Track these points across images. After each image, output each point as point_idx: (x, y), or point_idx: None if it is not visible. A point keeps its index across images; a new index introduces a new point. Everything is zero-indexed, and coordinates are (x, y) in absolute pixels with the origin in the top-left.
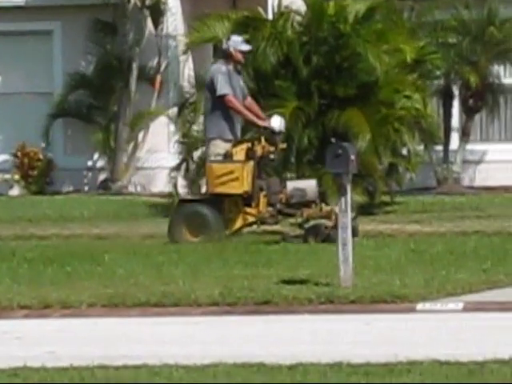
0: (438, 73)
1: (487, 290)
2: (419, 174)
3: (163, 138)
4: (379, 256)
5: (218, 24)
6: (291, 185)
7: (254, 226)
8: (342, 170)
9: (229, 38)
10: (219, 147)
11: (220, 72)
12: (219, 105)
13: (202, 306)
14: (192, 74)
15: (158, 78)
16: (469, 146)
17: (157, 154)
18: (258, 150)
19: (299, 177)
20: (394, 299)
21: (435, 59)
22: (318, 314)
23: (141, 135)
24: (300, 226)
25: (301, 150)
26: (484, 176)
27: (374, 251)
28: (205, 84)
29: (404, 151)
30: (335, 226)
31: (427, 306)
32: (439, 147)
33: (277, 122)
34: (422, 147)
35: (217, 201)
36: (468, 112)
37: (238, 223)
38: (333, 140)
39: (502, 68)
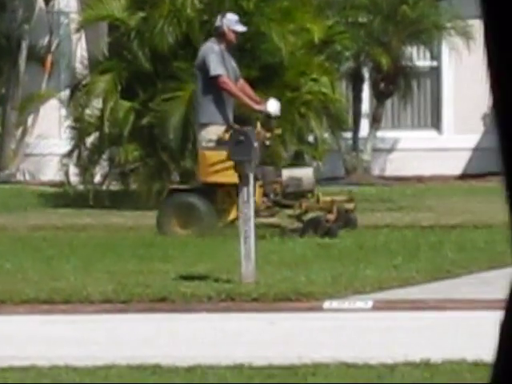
0: (347, 54)
1: (398, 288)
2: (327, 163)
3: (54, 122)
4: (284, 251)
5: (113, 1)
6: (287, 173)
7: None
8: (245, 158)
9: (223, 16)
10: (211, 133)
11: (213, 51)
12: (211, 87)
13: (94, 304)
14: (85, 54)
15: (49, 58)
16: (379, 134)
17: (47, 140)
18: None
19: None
20: (299, 297)
21: (344, 40)
22: (218, 312)
23: (30, 119)
24: (298, 218)
25: None
26: (395, 165)
27: (278, 245)
28: (195, 64)
29: (311, 138)
30: (337, 219)
31: (334, 304)
32: (348, 134)
33: (273, 106)
34: (329, 134)
35: (209, 190)
36: (379, 96)
37: (232, 215)
38: (235, 126)
39: (415, 50)
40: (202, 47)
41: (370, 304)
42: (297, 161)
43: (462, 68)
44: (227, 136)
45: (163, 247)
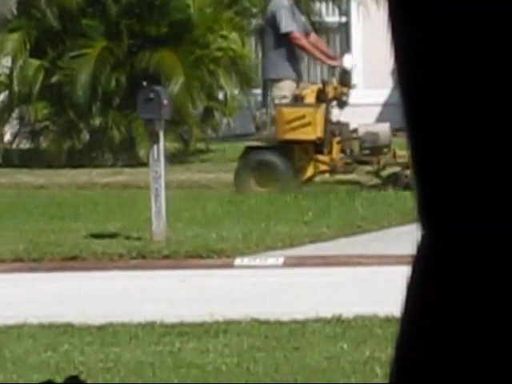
0: (254, 10)
1: (309, 244)
2: (236, 120)
3: None
4: (194, 208)
5: None
6: (363, 129)
7: (327, 175)
8: (154, 116)
9: None
10: (285, 89)
11: (283, 6)
12: (283, 42)
13: (5, 262)
14: None
15: None
16: None
17: None
18: (330, 92)
19: (106, 122)
20: (210, 254)
21: None
22: (129, 269)
23: None
24: (377, 174)
25: (109, 94)
26: None
27: (189, 203)
28: (265, 18)
29: (220, 95)
30: None
31: (245, 261)
32: (258, 91)
33: (349, 61)
34: (239, 91)
35: (287, 148)
36: None
37: (310, 171)
38: (144, 83)
39: (324, 6)
40: (272, 2)
41: (281, 260)
42: (207, 118)
43: (370, 23)
44: (304, 93)
45: (74, 206)
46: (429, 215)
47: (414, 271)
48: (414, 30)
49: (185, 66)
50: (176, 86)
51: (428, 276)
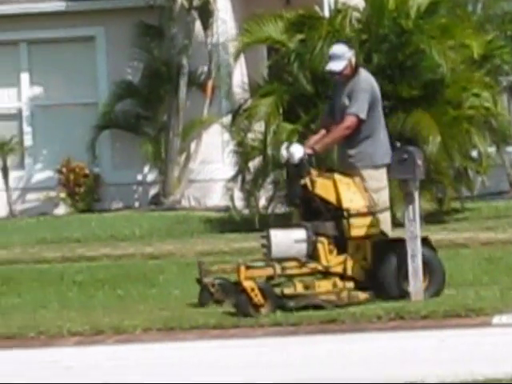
0: (507, 68)
1: None
2: (491, 178)
3: (217, 147)
4: (451, 267)
5: (271, 24)
6: None
7: None
8: (409, 176)
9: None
10: None
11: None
12: None
13: (263, 327)
14: (245, 78)
15: (210, 83)
16: None
17: (211, 165)
18: None
19: None
20: (468, 313)
21: (504, 54)
22: (387, 331)
23: (193, 145)
24: None
25: None
26: None
27: (446, 262)
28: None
29: (474, 153)
30: None
31: (504, 319)
32: (510, 148)
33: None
34: (493, 149)
35: None
36: None
37: None
38: (397, 144)
39: None
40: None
41: None
42: (461, 176)
43: None
44: None
45: None
46: None
47: None
48: None
49: (441, 126)
50: (433, 146)
51: None
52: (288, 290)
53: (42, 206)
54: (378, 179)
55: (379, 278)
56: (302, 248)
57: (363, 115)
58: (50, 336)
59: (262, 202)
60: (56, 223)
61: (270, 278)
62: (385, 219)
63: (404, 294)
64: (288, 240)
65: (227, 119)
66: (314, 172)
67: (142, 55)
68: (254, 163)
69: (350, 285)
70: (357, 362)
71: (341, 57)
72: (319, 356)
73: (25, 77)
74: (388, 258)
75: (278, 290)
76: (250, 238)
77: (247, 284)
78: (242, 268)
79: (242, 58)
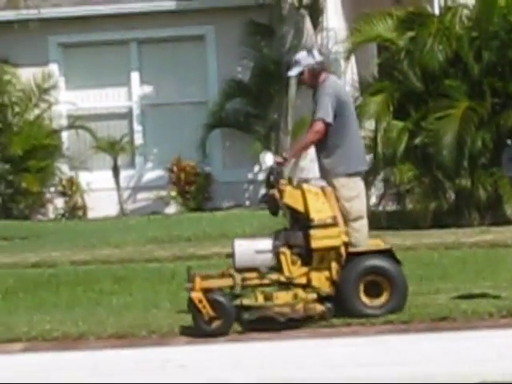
0: None
1: None
2: None
3: None
4: None
5: (380, 22)
6: None
7: None
8: None
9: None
10: None
11: None
12: None
13: (375, 325)
14: (355, 77)
15: None
16: None
17: None
18: None
19: (472, 182)
20: None
21: None
22: (499, 328)
23: None
24: None
25: (474, 154)
26: None
27: None
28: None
29: None
30: None
31: None
32: None
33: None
34: None
35: None
36: None
37: None
38: (508, 142)
39: None
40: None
41: None
42: None
43: None
44: None
45: (442, 266)
46: None
47: None
48: None
49: None
50: None
51: None
52: (247, 301)
53: (152, 204)
54: (351, 188)
55: (340, 290)
56: (267, 258)
57: (329, 119)
58: (161, 335)
59: (373, 200)
60: (167, 222)
61: (231, 288)
62: (360, 228)
63: (362, 309)
64: (252, 250)
65: None
66: (282, 181)
67: (251, 54)
68: None
69: (313, 296)
70: (468, 360)
71: (298, 63)
72: (430, 353)
73: (135, 76)
74: (348, 271)
75: (238, 301)
76: None
77: (194, 295)
78: (198, 278)
79: (352, 57)
